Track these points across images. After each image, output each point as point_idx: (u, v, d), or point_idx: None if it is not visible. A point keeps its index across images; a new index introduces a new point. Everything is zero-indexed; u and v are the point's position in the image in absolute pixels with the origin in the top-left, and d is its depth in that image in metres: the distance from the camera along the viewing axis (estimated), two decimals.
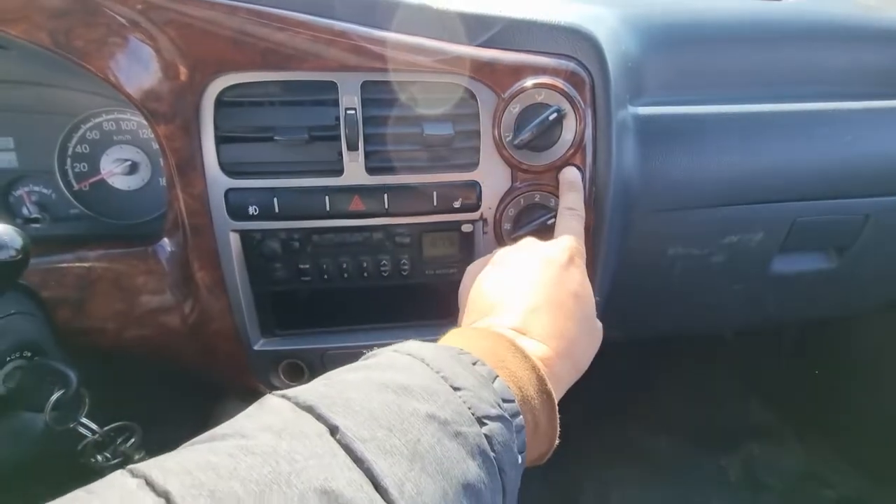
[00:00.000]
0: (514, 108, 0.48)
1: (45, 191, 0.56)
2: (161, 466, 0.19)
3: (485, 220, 0.52)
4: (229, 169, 0.48)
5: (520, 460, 0.27)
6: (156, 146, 0.56)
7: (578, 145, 0.49)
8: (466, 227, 0.53)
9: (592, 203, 0.52)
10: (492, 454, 0.25)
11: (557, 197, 0.51)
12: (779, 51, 0.64)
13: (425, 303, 0.58)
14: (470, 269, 0.43)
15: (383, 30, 0.46)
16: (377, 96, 0.48)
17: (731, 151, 0.57)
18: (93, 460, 0.46)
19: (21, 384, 0.43)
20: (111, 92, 0.49)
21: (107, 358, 0.53)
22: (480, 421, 0.25)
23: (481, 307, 0.37)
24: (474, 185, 0.51)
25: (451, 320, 0.58)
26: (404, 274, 0.54)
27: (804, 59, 0.64)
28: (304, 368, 0.58)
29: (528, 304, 0.35)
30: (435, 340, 0.32)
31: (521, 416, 0.28)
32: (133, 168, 0.57)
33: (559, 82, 0.48)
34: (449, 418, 0.24)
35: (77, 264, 0.49)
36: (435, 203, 0.50)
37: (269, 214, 0.49)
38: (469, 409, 0.25)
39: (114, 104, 0.55)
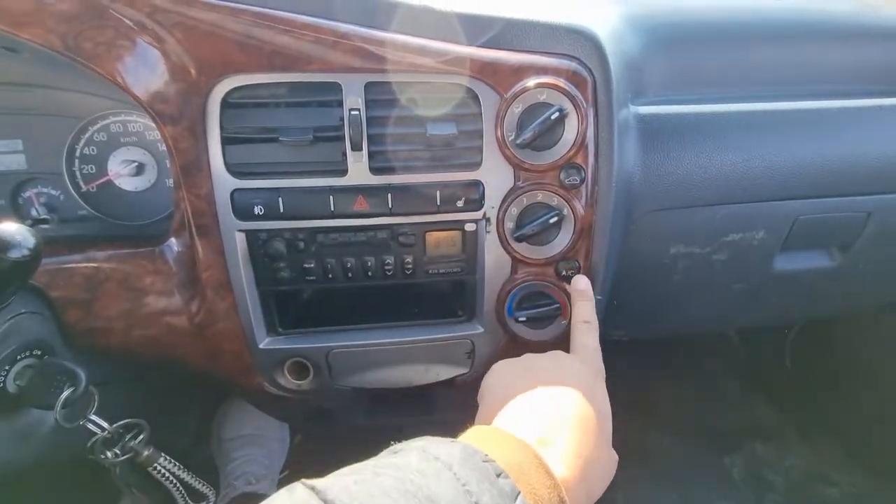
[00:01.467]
0: (517, 108, 0.48)
1: (53, 192, 0.57)
2: None
3: (488, 220, 0.53)
4: (235, 169, 0.49)
5: None
6: (162, 148, 0.57)
7: (580, 145, 0.50)
8: (469, 227, 0.53)
9: (594, 202, 0.52)
10: None
11: (560, 196, 0.52)
12: (780, 49, 0.64)
13: (429, 302, 0.58)
14: (496, 368, 0.43)
15: (386, 31, 0.47)
16: (381, 97, 0.48)
17: (732, 150, 0.58)
18: (102, 457, 0.46)
19: (31, 382, 0.44)
20: (118, 94, 0.49)
21: (115, 357, 0.53)
22: None
23: (509, 411, 0.37)
24: (477, 185, 0.51)
25: (454, 319, 0.59)
26: (408, 273, 0.55)
27: (805, 57, 0.64)
28: (308, 367, 0.58)
29: (556, 414, 0.35)
30: (456, 433, 0.32)
31: None
32: (139, 169, 0.58)
33: (561, 82, 0.48)
34: None
35: (85, 265, 0.50)
36: (438, 202, 0.51)
37: (275, 214, 0.49)
38: None
39: (121, 106, 0.56)
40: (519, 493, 0.28)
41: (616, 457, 0.39)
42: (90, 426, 0.46)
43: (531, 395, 0.37)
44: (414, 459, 0.28)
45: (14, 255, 0.33)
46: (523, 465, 0.30)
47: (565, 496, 0.30)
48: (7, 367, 0.43)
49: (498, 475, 0.28)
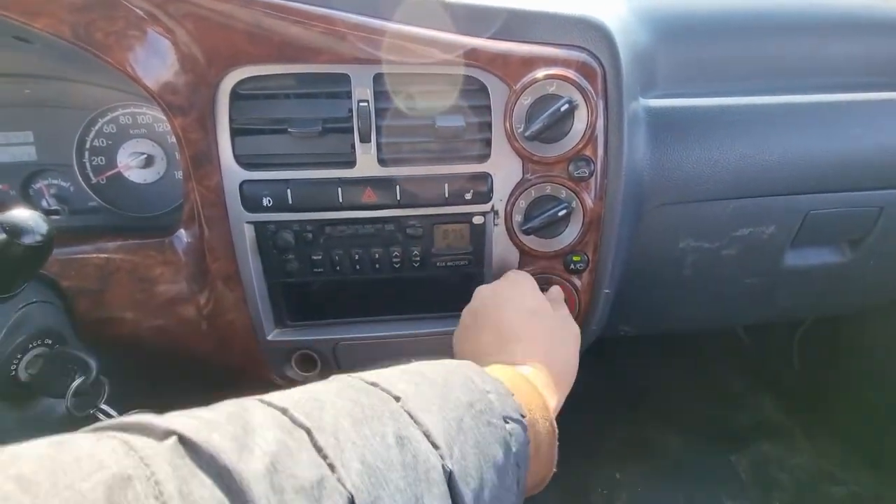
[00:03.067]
0: (526, 100, 0.48)
1: (63, 184, 0.57)
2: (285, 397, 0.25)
3: (496, 212, 0.53)
4: (244, 161, 0.49)
5: (525, 469, 0.30)
6: (171, 139, 0.57)
7: (590, 137, 0.49)
8: (477, 219, 0.53)
9: (603, 195, 0.52)
10: (514, 448, 0.29)
11: (568, 189, 0.51)
12: (790, 42, 0.63)
13: (436, 295, 0.58)
14: (480, 291, 0.47)
15: (396, 22, 0.47)
16: (389, 88, 0.48)
17: (743, 144, 0.57)
18: None
19: (43, 371, 0.44)
20: (128, 86, 0.50)
21: (124, 347, 0.53)
22: (505, 419, 0.29)
23: (501, 336, 0.42)
24: (485, 177, 0.51)
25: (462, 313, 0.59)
26: (415, 266, 0.55)
27: (816, 50, 0.63)
28: (316, 359, 0.58)
29: (538, 349, 0.41)
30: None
31: (528, 433, 0.32)
32: (149, 161, 0.58)
33: (570, 73, 0.48)
34: (483, 409, 0.29)
35: (96, 255, 0.50)
36: (446, 195, 0.51)
37: (283, 206, 0.50)
38: (498, 407, 0.30)
39: (130, 98, 0.56)
40: (513, 394, 0.32)
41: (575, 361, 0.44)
42: (100, 416, 0.46)
43: (518, 328, 0.42)
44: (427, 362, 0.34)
45: (27, 240, 0.33)
46: (514, 381, 0.35)
47: (549, 405, 0.35)
48: (19, 356, 0.43)
49: (494, 379, 0.33)
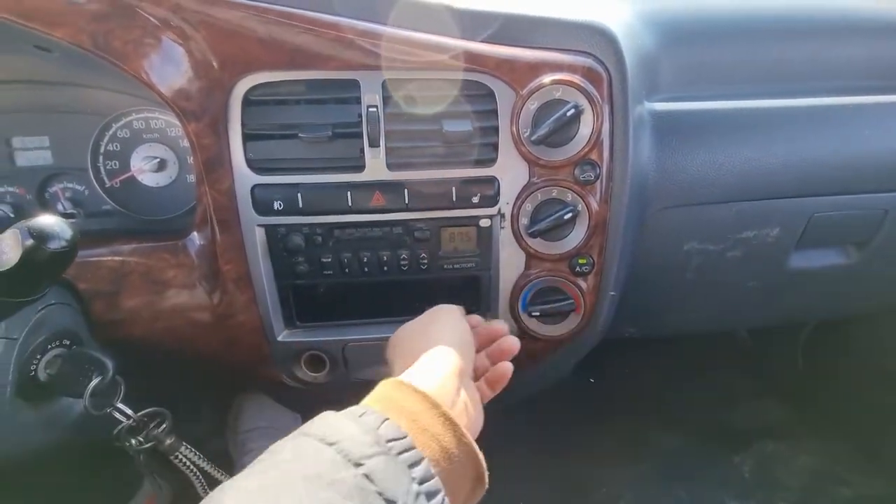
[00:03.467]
0: (532, 105, 0.49)
1: (78, 187, 0.59)
2: None
3: (502, 215, 0.53)
4: (255, 165, 0.50)
5: (425, 488, 0.28)
6: (183, 144, 0.58)
7: (595, 141, 0.50)
8: (484, 222, 0.54)
9: (609, 198, 0.53)
10: (374, 488, 0.26)
11: (574, 192, 0.52)
12: (795, 45, 0.63)
13: (443, 297, 0.59)
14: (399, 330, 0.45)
15: (403, 29, 0.48)
16: (398, 94, 0.49)
17: (747, 147, 0.58)
18: (127, 444, 0.48)
19: (61, 371, 0.45)
20: (141, 91, 0.51)
21: (138, 348, 0.55)
22: (357, 463, 0.27)
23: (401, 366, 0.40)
24: (492, 181, 0.52)
25: (468, 313, 0.59)
26: (423, 268, 0.55)
27: (821, 53, 0.64)
28: (325, 360, 0.59)
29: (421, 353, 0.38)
30: None
31: (416, 450, 0.29)
32: (161, 165, 0.59)
33: (576, 78, 0.48)
34: (321, 472, 0.26)
35: (111, 258, 0.51)
36: (454, 198, 0.51)
37: (293, 209, 0.51)
38: (344, 457, 0.27)
39: (143, 103, 0.57)
40: (385, 419, 0.30)
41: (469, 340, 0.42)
42: (116, 414, 0.47)
43: (406, 354, 0.40)
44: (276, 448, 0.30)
45: (53, 246, 0.34)
46: (388, 394, 0.33)
47: (437, 400, 0.32)
48: (38, 356, 0.44)
49: (361, 415, 0.30)
